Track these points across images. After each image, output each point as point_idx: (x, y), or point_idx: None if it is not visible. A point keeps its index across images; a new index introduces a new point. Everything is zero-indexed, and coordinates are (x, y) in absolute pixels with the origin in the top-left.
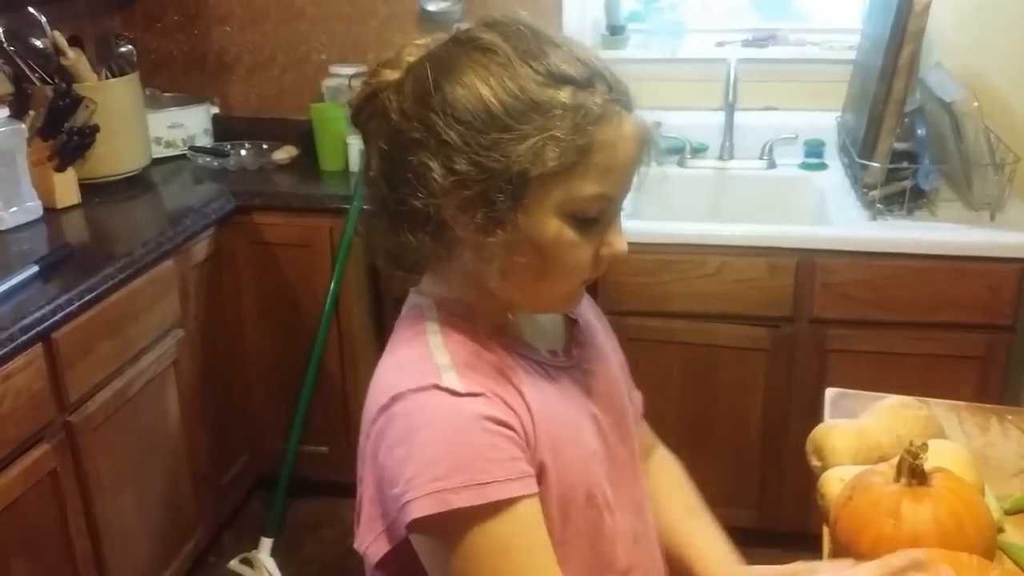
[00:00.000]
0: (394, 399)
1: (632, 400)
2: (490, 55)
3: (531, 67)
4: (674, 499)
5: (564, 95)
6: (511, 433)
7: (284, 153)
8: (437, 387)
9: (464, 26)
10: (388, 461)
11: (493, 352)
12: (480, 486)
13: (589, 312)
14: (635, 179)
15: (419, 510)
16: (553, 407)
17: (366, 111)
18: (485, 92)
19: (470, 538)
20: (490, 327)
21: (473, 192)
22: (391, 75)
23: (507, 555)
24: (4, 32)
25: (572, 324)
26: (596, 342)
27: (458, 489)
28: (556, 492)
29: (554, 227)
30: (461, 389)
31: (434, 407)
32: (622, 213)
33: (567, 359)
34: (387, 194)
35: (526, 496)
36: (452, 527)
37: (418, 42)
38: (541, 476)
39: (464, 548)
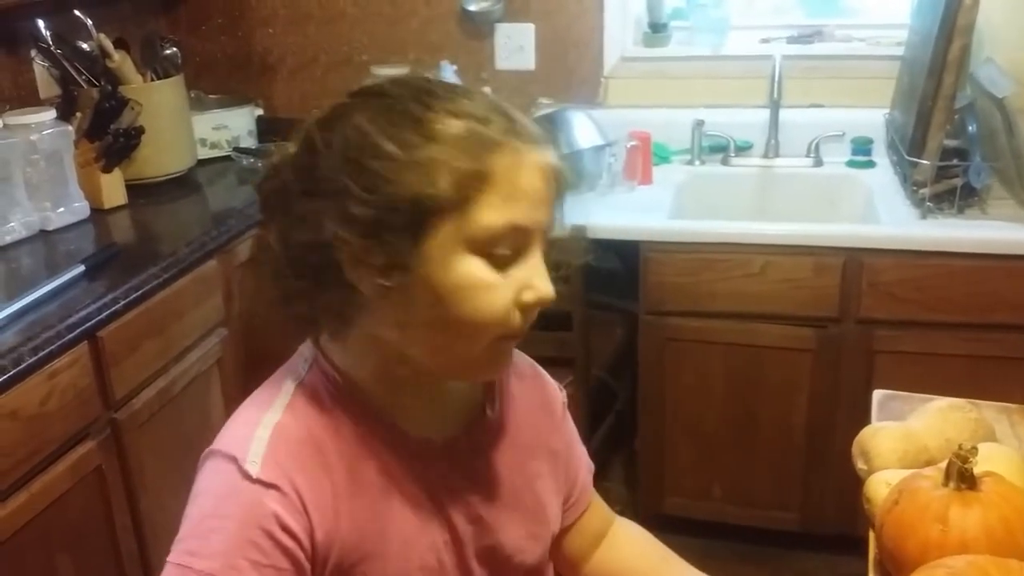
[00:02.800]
0: (209, 453)
1: (579, 478)
2: (380, 97)
3: (424, 103)
4: (646, 556)
5: (460, 124)
6: (287, 540)
7: None
8: (236, 462)
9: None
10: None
11: (339, 441)
12: (184, 568)
13: (530, 404)
14: (552, 219)
15: (165, 573)
16: (381, 520)
17: (266, 187)
18: (373, 129)
19: None
20: (359, 407)
21: (369, 238)
22: (291, 148)
23: None
24: (51, 35)
25: (481, 415)
26: (514, 442)
27: (201, 573)
28: None
29: (464, 266)
30: (254, 474)
31: (222, 481)
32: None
33: (445, 454)
34: (282, 258)
35: None
36: None
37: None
38: None
39: None
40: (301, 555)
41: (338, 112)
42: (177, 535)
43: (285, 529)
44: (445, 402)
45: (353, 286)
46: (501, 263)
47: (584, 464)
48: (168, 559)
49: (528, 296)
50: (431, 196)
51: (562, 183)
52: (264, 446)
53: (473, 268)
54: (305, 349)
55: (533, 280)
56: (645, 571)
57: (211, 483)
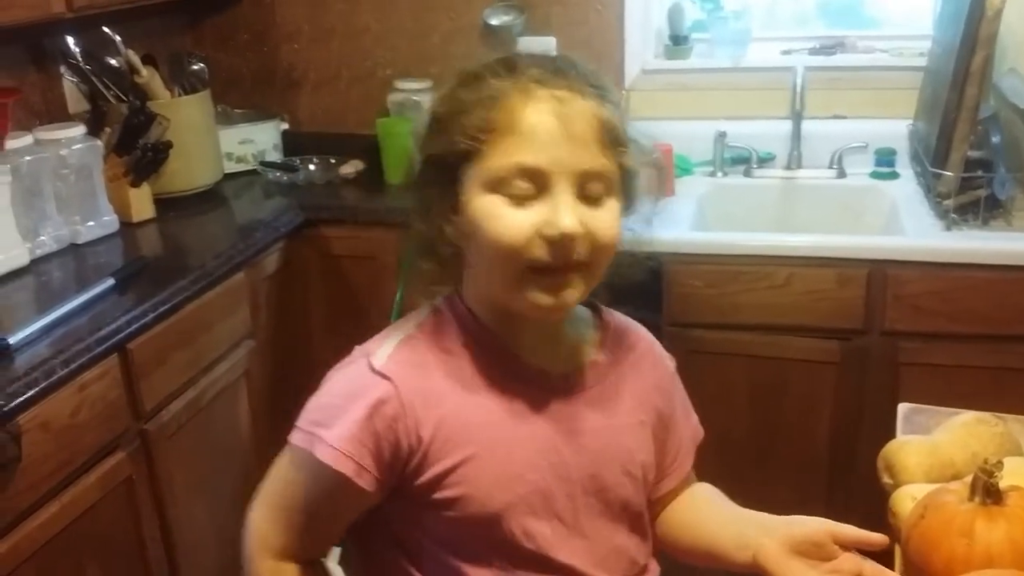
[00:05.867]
0: (352, 352)
1: (682, 446)
2: (463, 75)
3: (460, 76)
4: (694, 505)
5: (481, 86)
6: (395, 426)
7: (351, 167)
8: (367, 356)
9: None
10: None
11: (458, 357)
12: (313, 436)
13: (640, 362)
14: (584, 157)
15: (294, 436)
16: (488, 428)
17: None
18: (433, 103)
19: (291, 452)
20: (482, 335)
21: (426, 187)
22: None
23: (288, 482)
24: (80, 51)
25: (593, 359)
26: (621, 388)
27: (322, 440)
28: (460, 504)
29: (484, 202)
30: (377, 366)
31: (352, 370)
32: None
33: (557, 385)
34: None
35: (341, 474)
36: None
37: None
38: (437, 484)
39: (285, 451)
40: (406, 444)
41: None
42: (305, 407)
43: (395, 418)
44: (561, 342)
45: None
46: (521, 200)
47: (689, 433)
48: (297, 425)
49: (547, 230)
50: (453, 153)
51: (584, 120)
52: (391, 348)
53: (487, 202)
54: (444, 289)
55: (552, 215)
56: (690, 518)
57: (343, 372)
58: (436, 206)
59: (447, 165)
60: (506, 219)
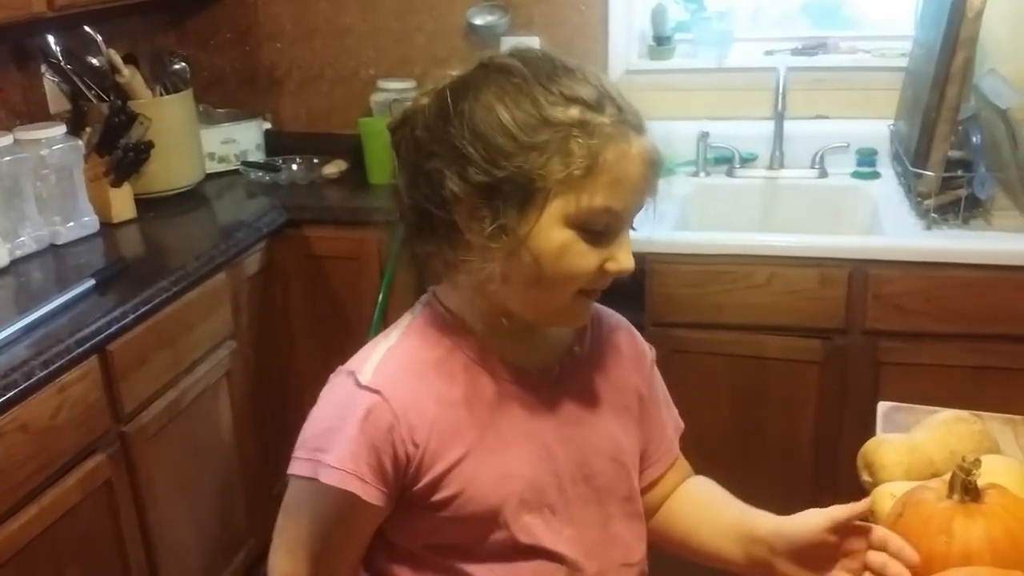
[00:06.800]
0: (336, 372)
1: (665, 434)
2: (507, 76)
3: (544, 87)
4: (697, 501)
5: (574, 113)
6: (391, 438)
7: (334, 167)
8: (352, 374)
9: (488, 54)
10: None
11: (444, 363)
12: (315, 463)
13: (618, 350)
14: (646, 199)
15: (295, 466)
16: (477, 427)
17: (399, 133)
18: (499, 108)
19: (295, 485)
20: (463, 339)
21: (483, 200)
22: (424, 100)
23: (299, 516)
24: (61, 51)
25: (570, 350)
26: (601, 376)
27: (326, 465)
28: (456, 504)
29: (561, 236)
30: (364, 382)
31: (341, 390)
32: (631, 231)
33: (540, 378)
34: (407, 203)
35: (348, 492)
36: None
37: (454, 72)
38: (434, 487)
39: (289, 489)
40: (403, 453)
41: (471, 83)
42: (301, 436)
43: (389, 429)
44: (540, 339)
45: (464, 242)
46: (593, 236)
47: (671, 422)
48: (296, 455)
49: (611, 266)
50: (541, 176)
51: (659, 167)
52: (377, 362)
53: (568, 238)
54: (423, 296)
55: (617, 253)
56: (693, 515)
57: (332, 392)
58: (480, 216)
59: (523, 185)
60: (583, 256)
